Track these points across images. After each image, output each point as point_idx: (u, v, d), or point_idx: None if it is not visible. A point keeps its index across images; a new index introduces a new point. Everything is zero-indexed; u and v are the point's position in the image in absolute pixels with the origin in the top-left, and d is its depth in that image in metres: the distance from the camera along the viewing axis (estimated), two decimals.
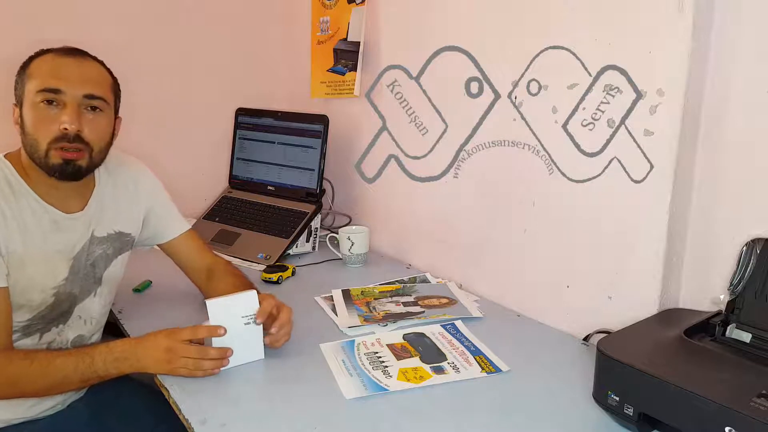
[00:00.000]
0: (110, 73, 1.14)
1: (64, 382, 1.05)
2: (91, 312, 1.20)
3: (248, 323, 1.10)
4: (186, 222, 1.36)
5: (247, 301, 1.11)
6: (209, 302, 1.08)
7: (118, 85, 1.16)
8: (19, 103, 1.08)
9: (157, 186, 1.32)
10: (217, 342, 1.08)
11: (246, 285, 1.25)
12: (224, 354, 1.07)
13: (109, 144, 1.14)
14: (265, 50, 2.09)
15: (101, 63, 1.13)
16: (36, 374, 1.03)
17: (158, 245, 1.35)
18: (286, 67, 2.11)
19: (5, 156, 1.12)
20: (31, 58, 1.09)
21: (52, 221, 1.11)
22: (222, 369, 1.09)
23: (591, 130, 1.17)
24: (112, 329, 1.30)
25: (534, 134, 1.28)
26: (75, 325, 1.18)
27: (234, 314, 1.09)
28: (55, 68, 1.06)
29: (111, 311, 1.30)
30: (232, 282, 1.26)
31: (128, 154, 1.29)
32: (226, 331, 1.06)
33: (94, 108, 1.08)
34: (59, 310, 1.14)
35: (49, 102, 1.05)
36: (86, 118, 1.07)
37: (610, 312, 1.17)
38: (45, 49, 1.10)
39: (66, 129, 1.04)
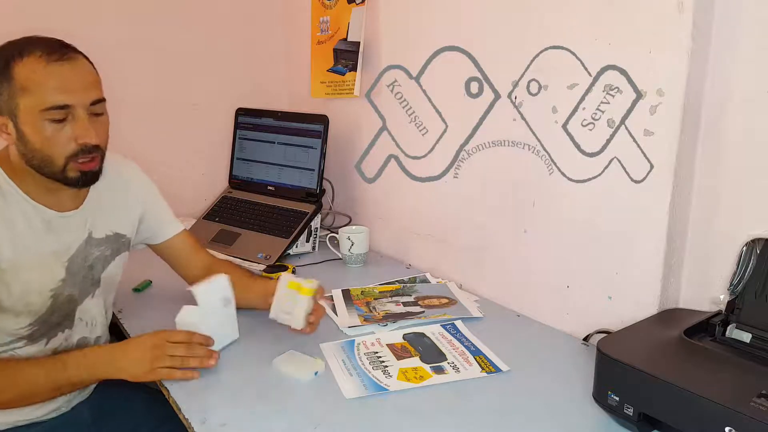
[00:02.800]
0: (89, 61, 1.07)
1: (35, 391, 1.01)
2: (91, 313, 1.19)
3: (226, 305, 1.16)
4: (179, 222, 1.35)
5: (224, 285, 1.16)
6: (195, 289, 1.11)
7: (96, 71, 1.09)
8: (9, 116, 1.00)
9: (151, 186, 1.30)
10: (206, 329, 1.12)
11: (250, 276, 1.29)
12: (209, 342, 1.08)
13: None
14: (265, 50, 2.09)
15: (80, 53, 1.05)
16: (3, 383, 1.00)
17: (151, 246, 1.33)
18: (286, 67, 2.11)
19: None
20: (7, 61, 0.99)
21: (44, 221, 1.08)
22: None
23: (591, 130, 1.17)
24: (113, 329, 1.30)
25: (534, 134, 1.28)
26: (79, 329, 1.17)
27: (216, 299, 1.15)
28: (55, 80, 0.99)
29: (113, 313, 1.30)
30: (240, 274, 1.29)
31: (121, 154, 1.27)
32: (214, 343, 1.08)
33: (97, 112, 1.06)
34: (60, 313, 1.12)
35: (57, 119, 1.00)
36: (94, 123, 1.04)
37: (610, 312, 1.17)
38: (17, 45, 1.00)
39: (86, 143, 1.03)
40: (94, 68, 1.08)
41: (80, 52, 1.05)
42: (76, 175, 1.05)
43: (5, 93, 1.00)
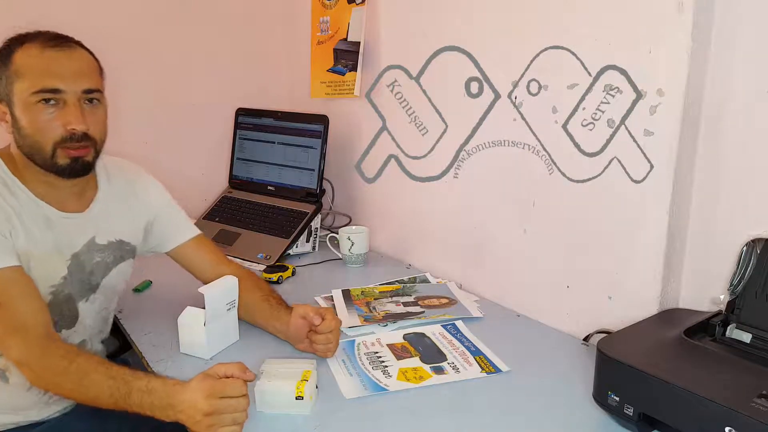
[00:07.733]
0: (93, 56, 1.10)
1: (96, 400, 0.96)
2: (84, 316, 1.17)
3: (230, 309, 1.18)
4: (194, 228, 1.31)
5: (232, 288, 1.19)
6: (206, 290, 1.13)
7: (101, 66, 1.11)
8: (7, 102, 1.03)
9: (162, 194, 1.28)
10: (210, 330, 1.13)
11: (275, 299, 1.23)
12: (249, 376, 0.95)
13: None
14: (265, 50, 2.09)
15: (84, 47, 1.08)
16: (70, 379, 0.97)
17: (165, 253, 1.30)
18: (286, 67, 2.11)
19: None
20: (10, 49, 1.03)
21: (45, 218, 1.08)
22: (209, 357, 1.14)
23: (591, 130, 1.17)
24: (114, 329, 1.29)
25: (534, 134, 1.28)
26: (79, 331, 1.16)
27: (222, 301, 1.16)
28: (48, 64, 1.01)
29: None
30: (260, 296, 1.23)
31: (129, 160, 1.27)
32: (254, 378, 0.96)
33: (91, 101, 1.06)
34: (59, 312, 1.11)
35: (47, 101, 1.01)
36: (87, 113, 1.04)
37: (610, 312, 1.17)
38: (21, 35, 1.04)
39: (74, 130, 1.03)
40: (97, 61, 1.09)
41: (83, 46, 1.07)
42: (66, 161, 1.04)
43: (4, 79, 1.03)
